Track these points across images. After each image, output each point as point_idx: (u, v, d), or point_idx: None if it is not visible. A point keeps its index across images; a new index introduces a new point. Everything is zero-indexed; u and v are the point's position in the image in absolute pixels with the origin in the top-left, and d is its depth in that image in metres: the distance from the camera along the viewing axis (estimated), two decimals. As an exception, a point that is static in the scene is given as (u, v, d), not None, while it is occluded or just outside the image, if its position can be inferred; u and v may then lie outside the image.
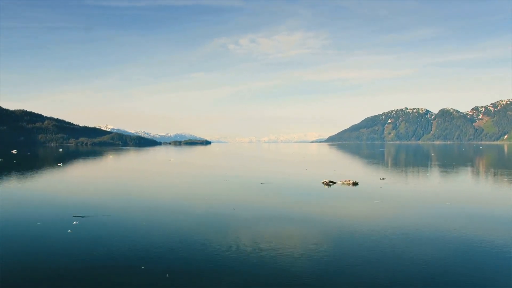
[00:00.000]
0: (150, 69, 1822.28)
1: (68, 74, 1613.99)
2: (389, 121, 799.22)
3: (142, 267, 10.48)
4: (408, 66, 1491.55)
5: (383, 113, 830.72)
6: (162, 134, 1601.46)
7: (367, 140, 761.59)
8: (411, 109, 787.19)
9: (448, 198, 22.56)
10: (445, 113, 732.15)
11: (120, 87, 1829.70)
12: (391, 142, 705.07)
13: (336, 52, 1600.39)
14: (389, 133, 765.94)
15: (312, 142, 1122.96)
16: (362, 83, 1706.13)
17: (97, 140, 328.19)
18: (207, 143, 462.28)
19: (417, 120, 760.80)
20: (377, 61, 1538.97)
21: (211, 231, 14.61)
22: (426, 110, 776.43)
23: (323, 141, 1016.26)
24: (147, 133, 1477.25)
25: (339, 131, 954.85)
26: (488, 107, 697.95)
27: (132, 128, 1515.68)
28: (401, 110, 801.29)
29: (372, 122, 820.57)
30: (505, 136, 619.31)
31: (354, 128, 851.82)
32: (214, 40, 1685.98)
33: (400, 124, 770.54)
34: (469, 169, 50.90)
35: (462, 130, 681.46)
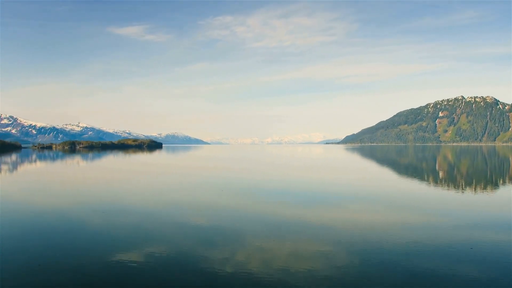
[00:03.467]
0: (141, 59, 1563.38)
1: (41, 65, 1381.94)
2: (440, 114, 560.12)
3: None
4: (438, 59, 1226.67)
5: (428, 104, 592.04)
6: (154, 134, 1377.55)
7: (414, 140, 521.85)
8: (471, 97, 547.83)
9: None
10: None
11: (103, 80, 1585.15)
12: (453, 144, 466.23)
13: (362, 40, 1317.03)
14: (445, 131, 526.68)
15: (327, 143, 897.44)
16: (378, 80, 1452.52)
17: None
18: (152, 146, 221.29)
19: (485, 113, 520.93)
20: (404, 53, 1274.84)
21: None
22: (495, 99, 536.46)
23: (337, 143, 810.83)
24: (128, 133, 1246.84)
25: (358, 130, 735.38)
26: None
27: (112, 127, 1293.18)
28: (456, 99, 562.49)
29: (414, 116, 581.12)
30: None
31: (386, 124, 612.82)
32: (217, 20, 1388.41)
33: (459, 119, 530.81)
34: None
35: None
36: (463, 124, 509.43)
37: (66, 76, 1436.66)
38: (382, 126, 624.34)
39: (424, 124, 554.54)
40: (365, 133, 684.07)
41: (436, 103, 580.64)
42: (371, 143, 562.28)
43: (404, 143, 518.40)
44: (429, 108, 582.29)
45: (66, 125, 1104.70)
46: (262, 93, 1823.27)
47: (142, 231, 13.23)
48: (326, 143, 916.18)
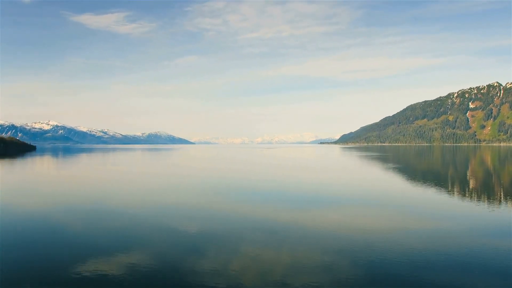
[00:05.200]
0: (125, 54, 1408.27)
1: (16, 63, 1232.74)
2: (471, 105, 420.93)
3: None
4: (448, 52, 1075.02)
5: (451, 94, 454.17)
6: (138, 134, 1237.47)
7: (442, 139, 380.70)
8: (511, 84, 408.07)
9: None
10: None
11: (85, 78, 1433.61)
12: (500, 144, 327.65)
13: (367, 30, 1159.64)
14: (482, 126, 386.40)
15: (321, 143, 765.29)
16: (379, 76, 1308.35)
17: None
18: None
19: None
20: (410, 45, 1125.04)
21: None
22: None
23: (333, 142, 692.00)
24: (104, 132, 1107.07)
25: (355, 129, 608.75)
26: None
27: (92, 126, 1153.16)
28: (491, 86, 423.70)
29: (435, 109, 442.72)
30: None
31: (396, 120, 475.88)
32: (206, 5, 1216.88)
33: (500, 110, 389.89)
34: None
35: None
36: (508, 118, 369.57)
37: (44, 74, 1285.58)
38: (392, 121, 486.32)
39: (450, 118, 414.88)
40: (368, 130, 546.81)
41: (462, 92, 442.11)
42: (381, 142, 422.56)
43: (427, 142, 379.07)
44: (454, 99, 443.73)
45: (35, 123, 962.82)
46: (255, 90, 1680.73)
47: (125, 237, 11.94)
48: (321, 143, 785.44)
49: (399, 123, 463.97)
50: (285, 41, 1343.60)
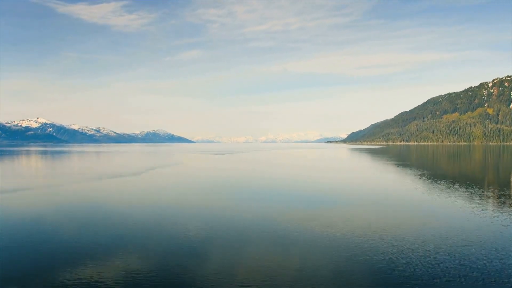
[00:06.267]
0: (125, 48, 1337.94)
1: (10, 60, 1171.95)
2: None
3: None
4: (463, 46, 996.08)
5: (484, 84, 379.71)
6: (136, 132, 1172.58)
7: (485, 136, 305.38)
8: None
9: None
10: None
11: (78, 72, 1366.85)
12: None
13: (380, 22, 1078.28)
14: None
15: (328, 141, 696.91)
16: (388, 72, 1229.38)
17: None
18: None
19: None
20: (423, 39, 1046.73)
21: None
22: None
23: (340, 141, 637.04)
24: (97, 130, 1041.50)
25: (364, 126, 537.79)
26: None
27: (82, 123, 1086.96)
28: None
29: (468, 101, 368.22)
30: None
31: (418, 115, 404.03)
32: None
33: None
34: None
35: None
36: None
37: (38, 70, 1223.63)
38: (412, 117, 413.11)
39: (490, 111, 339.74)
40: (382, 127, 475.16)
41: (500, 81, 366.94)
42: (405, 141, 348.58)
43: (465, 141, 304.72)
44: (490, 89, 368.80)
45: (23, 120, 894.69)
46: (261, 87, 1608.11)
47: (124, 239, 11.35)
48: (328, 142, 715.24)
49: (423, 118, 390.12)
50: (293, 35, 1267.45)
